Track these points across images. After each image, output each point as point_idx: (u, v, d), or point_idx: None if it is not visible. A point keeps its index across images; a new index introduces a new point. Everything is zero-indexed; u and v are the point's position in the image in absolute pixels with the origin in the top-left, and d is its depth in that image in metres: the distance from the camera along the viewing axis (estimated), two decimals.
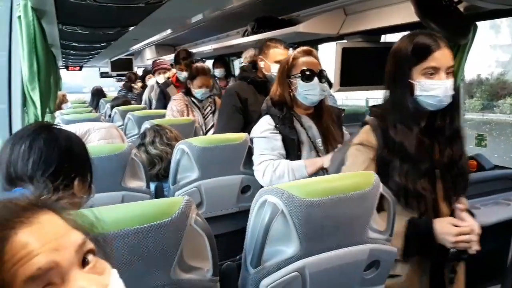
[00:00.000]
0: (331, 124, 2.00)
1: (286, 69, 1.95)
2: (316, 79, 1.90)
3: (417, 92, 1.31)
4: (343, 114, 2.16)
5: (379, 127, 1.37)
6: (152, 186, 2.01)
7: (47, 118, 3.27)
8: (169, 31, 4.84)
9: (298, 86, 1.92)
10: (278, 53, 2.47)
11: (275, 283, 1.12)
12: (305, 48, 2.00)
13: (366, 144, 1.37)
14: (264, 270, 1.13)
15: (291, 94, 1.95)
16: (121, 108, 3.99)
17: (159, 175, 2.09)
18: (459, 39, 2.29)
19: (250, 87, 2.52)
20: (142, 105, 4.71)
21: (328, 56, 2.86)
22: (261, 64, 2.52)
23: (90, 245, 0.54)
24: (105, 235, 0.63)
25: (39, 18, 2.26)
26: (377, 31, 2.73)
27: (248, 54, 3.69)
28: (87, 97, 8.11)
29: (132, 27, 3.74)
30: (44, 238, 0.50)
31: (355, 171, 1.32)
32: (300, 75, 1.91)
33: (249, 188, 2.14)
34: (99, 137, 2.26)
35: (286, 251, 1.15)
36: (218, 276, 1.11)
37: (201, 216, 1.07)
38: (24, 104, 2.26)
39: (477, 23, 2.32)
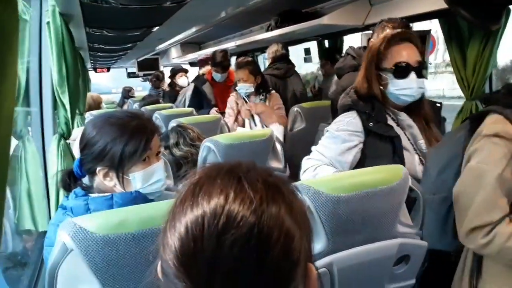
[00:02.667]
0: (431, 122, 1.64)
1: (376, 58, 1.57)
2: (413, 75, 1.51)
3: None
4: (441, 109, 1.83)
5: None
6: (180, 186, 2.03)
7: (77, 119, 3.36)
8: (193, 29, 4.87)
9: (389, 83, 1.54)
10: None
11: (315, 285, 1.11)
12: (400, 31, 1.61)
13: (504, 136, 1.14)
14: None
15: (382, 89, 1.57)
16: (148, 107, 4.05)
17: (187, 175, 2.10)
18: (491, 25, 2.20)
19: None
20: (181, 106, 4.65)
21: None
22: None
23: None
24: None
25: (66, 22, 2.32)
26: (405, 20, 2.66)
27: (271, 50, 3.67)
28: (116, 97, 8.29)
29: (157, 27, 3.79)
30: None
31: (492, 167, 1.13)
32: (393, 69, 1.52)
33: None
34: None
35: (313, 247, 1.13)
36: None
37: None
38: (55, 106, 2.33)
39: (511, 6, 2.23)
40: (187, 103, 4.19)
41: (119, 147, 1.16)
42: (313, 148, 1.64)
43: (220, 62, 3.72)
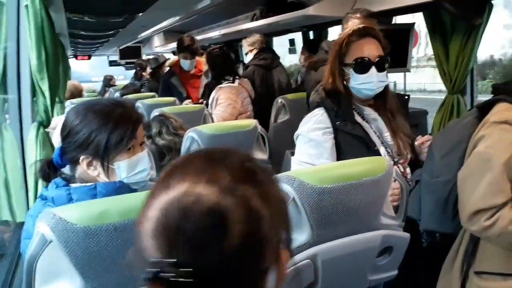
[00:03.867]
0: (397, 114, 1.66)
1: (339, 55, 1.60)
2: (373, 69, 1.54)
3: None
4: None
5: None
6: None
7: (57, 107, 3.28)
8: (177, 17, 4.80)
9: (351, 78, 1.57)
10: (357, 24, 2.07)
11: (286, 270, 1.11)
12: (361, 26, 1.62)
13: None
14: None
15: (345, 84, 1.60)
16: (130, 96, 3.99)
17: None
18: (475, 19, 2.23)
19: None
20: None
21: None
22: None
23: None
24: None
25: (46, 6, 2.24)
26: (389, 13, 2.67)
27: (254, 39, 3.61)
28: (96, 86, 8.15)
29: (140, 14, 3.72)
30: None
31: (501, 152, 1.17)
32: (353, 64, 1.55)
33: None
34: None
35: (297, 238, 1.13)
36: None
37: None
38: (34, 94, 2.26)
39: (493, 2, 2.25)
40: None
41: (105, 135, 1.14)
42: (296, 160, 1.61)
43: (188, 46, 3.53)
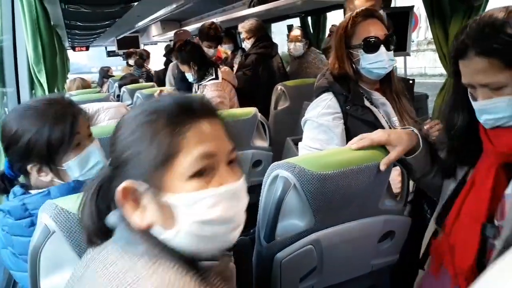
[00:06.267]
0: (402, 97, 1.65)
1: (344, 37, 1.58)
2: (382, 48, 1.52)
3: None
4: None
5: None
6: None
7: None
8: (173, 5, 4.75)
9: (361, 59, 1.55)
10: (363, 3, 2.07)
11: (289, 256, 1.12)
12: (365, 8, 1.61)
13: None
14: (278, 244, 1.13)
15: (354, 67, 1.58)
16: (129, 87, 3.97)
17: None
18: (474, 0, 2.21)
19: None
20: (167, 86, 4.19)
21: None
22: None
23: (234, 155, 0.74)
24: None
25: None
26: None
27: (252, 26, 3.52)
28: (96, 77, 8.11)
29: (136, 3, 3.68)
30: (215, 134, 0.72)
31: None
32: (362, 45, 1.54)
33: (260, 163, 2.13)
34: (109, 117, 2.25)
35: (299, 224, 1.14)
36: (231, 250, 1.11)
37: None
38: (32, 86, 2.25)
39: None
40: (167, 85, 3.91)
41: (44, 138, 1.08)
42: (304, 145, 1.57)
43: (214, 35, 3.37)
